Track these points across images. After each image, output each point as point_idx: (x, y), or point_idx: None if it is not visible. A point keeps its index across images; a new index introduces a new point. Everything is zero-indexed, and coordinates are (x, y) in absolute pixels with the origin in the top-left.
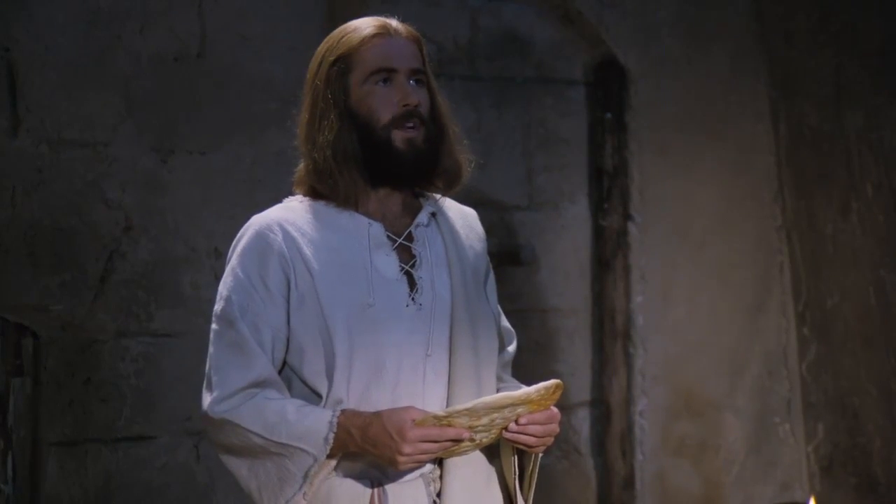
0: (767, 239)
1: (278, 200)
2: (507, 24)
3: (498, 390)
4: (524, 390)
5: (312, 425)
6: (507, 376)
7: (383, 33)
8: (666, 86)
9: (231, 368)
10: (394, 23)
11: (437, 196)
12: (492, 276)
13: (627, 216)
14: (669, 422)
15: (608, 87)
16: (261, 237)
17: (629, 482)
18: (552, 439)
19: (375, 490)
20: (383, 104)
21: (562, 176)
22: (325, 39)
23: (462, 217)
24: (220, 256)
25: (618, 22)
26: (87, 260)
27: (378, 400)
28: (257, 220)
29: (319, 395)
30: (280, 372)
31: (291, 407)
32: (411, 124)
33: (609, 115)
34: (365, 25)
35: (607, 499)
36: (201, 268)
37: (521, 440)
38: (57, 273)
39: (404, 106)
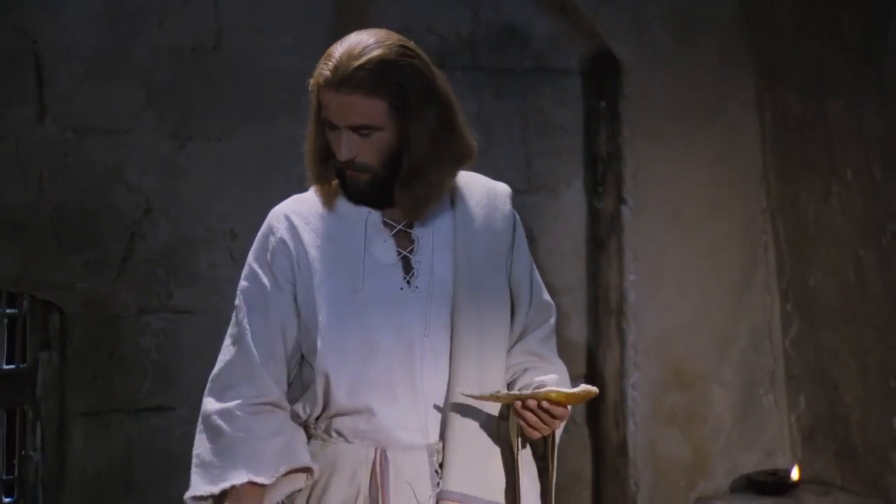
0: (753, 221)
1: (288, 184)
2: (507, 18)
3: (526, 370)
4: (566, 391)
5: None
6: (547, 352)
7: (331, 86)
8: (657, 76)
9: (231, 377)
10: (354, 62)
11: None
12: (521, 252)
13: (621, 199)
14: (660, 393)
15: (602, 78)
16: (268, 227)
17: (622, 450)
18: (549, 430)
19: (378, 455)
20: (333, 146)
21: (558, 161)
22: (327, 51)
23: (487, 196)
24: (236, 237)
25: (612, 15)
26: (109, 241)
27: (375, 377)
28: (271, 213)
29: (321, 373)
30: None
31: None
32: (353, 170)
33: (603, 104)
34: (326, 66)
35: (602, 466)
36: (217, 248)
37: (526, 416)
38: (81, 253)
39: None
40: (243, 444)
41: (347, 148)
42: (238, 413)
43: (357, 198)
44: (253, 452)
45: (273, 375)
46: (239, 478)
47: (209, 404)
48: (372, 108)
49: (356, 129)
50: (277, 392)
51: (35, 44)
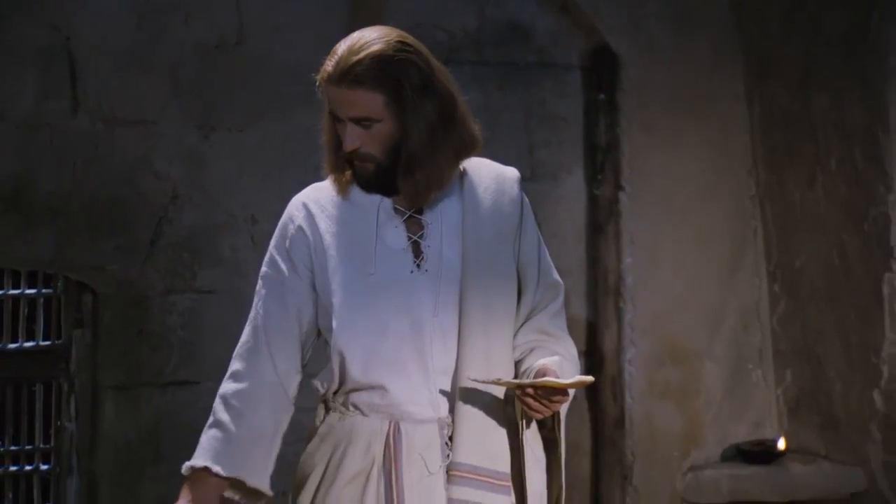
0: (743, 207)
1: (305, 172)
2: (511, 15)
3: (532, 350)
4: (562, 381)
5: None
6: (556, 329)
7: (333, 80)
8: (653, 70)
9: (242, 359)
10: (353, 58)
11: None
12: (530, 234)
13: (619, 186)
14: (655, 369)
15: (601, 72)
16: (288, 216)
17: (619, 422)
18: (549, 412)
19: (392, 428)
20: (340, 137)
21: (560, 151)
22: (333, 48)
23: (496, 180)
24: (256, 222)
25: (611, 12)
26: (138, 225)
27: (387, 355)
28: (291, 201)
29: (337, 352)
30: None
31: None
32: (358, 160)
33: (602, 97)
34: (329, 62)
35: (600, 437)
36: (239, 232)
37: (527, 401)
38: (112, 237)
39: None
40: (223, 433)
41: (350, 139)
42: (233, 403)
43: (365, 186)
44: (224, 444)
45: (282, 359)
46: (200, 462)
47: (222, 384)
48: (370, 101)
49: (358, 120)
50: (279, 378)
51: (68, 40)
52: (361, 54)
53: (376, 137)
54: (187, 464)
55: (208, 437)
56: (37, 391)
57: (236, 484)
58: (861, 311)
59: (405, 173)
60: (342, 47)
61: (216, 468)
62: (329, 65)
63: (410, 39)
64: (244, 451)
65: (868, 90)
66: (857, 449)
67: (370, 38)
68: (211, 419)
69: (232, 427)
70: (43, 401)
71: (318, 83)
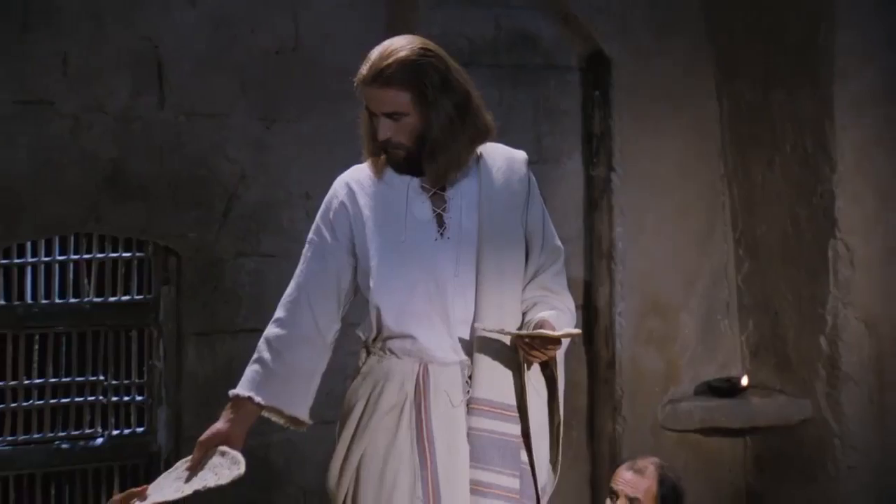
0: (714, 184)
1: (350, 157)
2: (522, 25)
3: (535, 304)
4: (554, 333)
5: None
6: (557, 286)
7: (367, 82)
8: (640, 71)
9: (284, 309)
10: (383, 63)
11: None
12: (535, 206)
13: (611, 168)
14: (640, 320)
15: (597, 72)
16: (333, 193)
17: (611, 364)
18: (545, 358)
19: (421, 369)
20: (376, 129)
21: (562, 139)
22: (367, 55)
23: (507, 162)
24: (310, 198)
25: (604, 22)
26: (213, 200)
27: (416, 309)
28: (336, 181)
29: (374, 306)
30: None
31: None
32: (390, 148)
33: (597, 93)
34: (364, 67)
35: (594, 376)
36: (295, 207)
37: (525, 349)
38: (192, 210)
39: (378, 139)
40: (264, 368)
41: (383, 130)
42: (274, 344)
43: (397, 168)
44: (264, 378)
45: (320, 310)
46: (244, 391)
47: (267, 328)
48: (398, 98)
49: (389, 115)
50: (316, 325)
51: (157, 48)
52: (390, 59)
53: (404, 129)
54: (232, 391)
55: (251, 370)
56: (132, 336)
57: (276, 412)
58: (810, 271)
59: (429, 158)
60: (374, 54)
61: (257, 398)
62: (364, 69)
63: (432, 45)
64: (282, 385)
65: (817, 88)
66: (806, 384)
67: (397, 46)
68: (255, 356)
69: (272, 364)
70: (137, 344)
71: (355, 84)
